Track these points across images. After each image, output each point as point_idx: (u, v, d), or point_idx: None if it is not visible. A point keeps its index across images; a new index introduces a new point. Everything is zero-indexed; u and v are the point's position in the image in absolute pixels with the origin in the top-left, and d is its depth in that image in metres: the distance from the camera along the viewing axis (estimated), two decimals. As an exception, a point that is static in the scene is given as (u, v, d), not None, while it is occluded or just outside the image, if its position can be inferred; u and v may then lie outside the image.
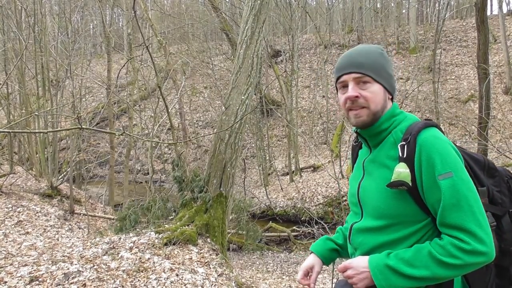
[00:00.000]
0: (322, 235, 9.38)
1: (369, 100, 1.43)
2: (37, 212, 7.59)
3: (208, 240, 5.49)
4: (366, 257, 1.39)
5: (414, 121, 1.45)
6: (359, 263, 1.39)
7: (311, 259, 1.73)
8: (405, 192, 1.35)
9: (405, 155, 1.35)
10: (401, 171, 1.33)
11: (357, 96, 1.42)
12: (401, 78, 19.55)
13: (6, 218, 6.87)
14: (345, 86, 1.47)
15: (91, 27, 28.36)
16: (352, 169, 1.68)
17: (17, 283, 3.87)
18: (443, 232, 1.32)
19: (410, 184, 1.32)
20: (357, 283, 1.38)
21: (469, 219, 1.26)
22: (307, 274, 1.71)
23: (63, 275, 4.04)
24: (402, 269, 1.29)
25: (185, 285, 4.28)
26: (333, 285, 1.78)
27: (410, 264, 1.29)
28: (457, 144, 1.48)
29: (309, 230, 10.06)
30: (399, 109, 1.51)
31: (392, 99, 1.52)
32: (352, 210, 1.60)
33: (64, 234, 6.95)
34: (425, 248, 1.30)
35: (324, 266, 1.79)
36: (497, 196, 1.44)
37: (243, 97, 5.84)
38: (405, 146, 1.36)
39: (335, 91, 1.61)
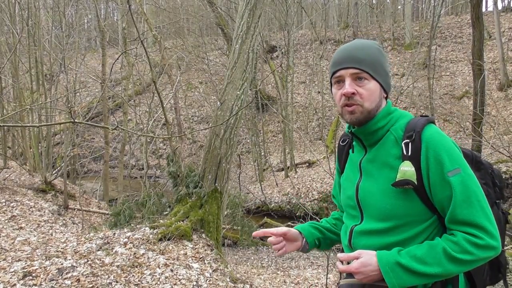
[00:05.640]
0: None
1: (365, 97, 1.38)
2: (31, 207, 7.56)
3: (203, 235, 5.49)
4: (373, 252, 1.34)
5: (410, 118, 1.43)
6: (366, 258, 1.33)
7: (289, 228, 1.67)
8: (411, 191, 1.32)
9: (410, 153, 1.33)
10: (407, 169, 1.30)
11: (353, 93, 1.37)
12: (396, 74, 19.59)
13: (0, 213, 6.84)
14: (341, 81, 1.42)
15: (86, 21, 28.17)
16: (342, 170, 1.63)
17: (10, 278, 3.85)
18: (454, 228, 1.31)
19: (416, 182, 1.30)
20: (363, 277, 1.33)
21: (479, 215, 1.27)
22: (278, 235, 1.62)
23: (56, 270, 4.02)
24: (415, 267, 1.27)
25: (179, 280, 4.27)
26: (327, 280, 1.78)
27: (423, 261, 1.27)
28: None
29: (304, 226, 10.06)
30: (393, 106, 1.48)
31: (386, 97, 1.48)
32: (348, 213, 1.54)
33: (58, 229, 6.93)
34: (439, 245, 1.29)
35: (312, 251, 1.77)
36: (484, 188, 1.41)
37: (238, 92, 5.82)
38: (410, 144, 1.33)
39: (330, 86, 1.53)
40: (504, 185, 1.55)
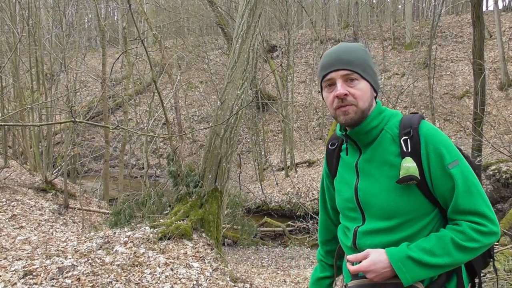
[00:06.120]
0: (316, 230, 9.44)
1: (358, 97, 1.40)
2: (31, 206, 7.56)
3: (203, 235, 5.49)
4: (382, 250, 1.35)
5: (401, 116, 1.46)
6: (376, 256, 1.34)
7: None
8: (414, 187, 1.35)
9: (409, 149, 1.36)
10: (409, 165, 1.33)
11: (346, 94, 1.39)
12: (396, 74, 19.57)
13: (0, 212, 6.84)
14: (332, 84, 1.44)
15: (86, 20, 28.18)
16: (334, 174, 1.63)
17: (11, 277, 3.85)
18: (457, 218, 1.34)
19: (419, 177, 1.33)
20: (375, 276, 1.34)
21: (480, 203, 1.32)
22: None
23: (57, 269, 4.02)
24: (426, 259, 1.29)
25: (180, 279, 4.28)
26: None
27: (433, 253, 1.30)
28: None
29: (304, 225, 10.10)
30: (382, 106, 1.51)
31: (376, 97, 1.50)
32: (346, 215, 1.54)
33: (58, 228, 6.93)
34: (446, 236, 1.32)
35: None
36: None
37: (238, 92, 5.82)
38: (408, 140, 1.37)
39: (320, 90, 1.57)
40: (481, 173, 1.63)
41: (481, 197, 1.32)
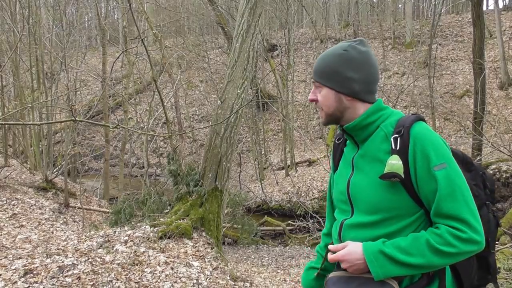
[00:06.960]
0: (317, 229, 9.46)
1: (320, 103, 1.52)
2: (31, 205, 7.56)
3: (203, 233, 5.50)
4: (360, 243, 1.37)
5: (401, 115, 1.47)
6: (352, 247, 1.38)
7: None
8: (399, 185, 1.35)
9: (398, 147, 1.36)
10: (394, 163, 1.33)
11: (312, 100, 1.55)
12: (396, 73, 19.57)
13: (1, 211, 6.84)
14: None
15: (86, 19, 28.17)
16: (336, 167, 1.66)
17: (12, 275, 3.86)
18: (438, 222, 1.33)
19: (403, 176, 1.32)
20: (349, 266, 1.36)
21: (464, 209, 1.29)
22: None
23: (57, 268, 4.03)
24: (398, 257, 1.29)
25: (180, 278, 4.28)
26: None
27: (407, 252, 1.30)
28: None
29: (304, 224, 10.11)
30: (384, 104, 1.52)
31: (362, 100, 1.48)
32: (340, 208, 1.58)
33: (58, 227, 6.93)
34: (423, 236, 1.31)
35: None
36: (474, 189, 1.44)
37: (238, 91, 5.82)
38: (398, 139, 1.37)
39: None
40: (495, 188, 1.59)
41: (466, 203, 1.30)
